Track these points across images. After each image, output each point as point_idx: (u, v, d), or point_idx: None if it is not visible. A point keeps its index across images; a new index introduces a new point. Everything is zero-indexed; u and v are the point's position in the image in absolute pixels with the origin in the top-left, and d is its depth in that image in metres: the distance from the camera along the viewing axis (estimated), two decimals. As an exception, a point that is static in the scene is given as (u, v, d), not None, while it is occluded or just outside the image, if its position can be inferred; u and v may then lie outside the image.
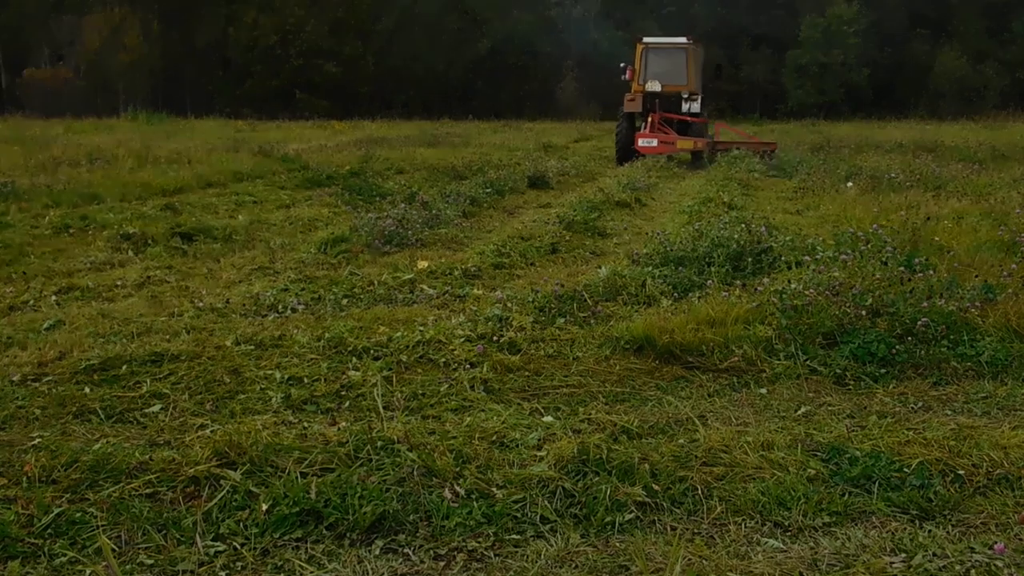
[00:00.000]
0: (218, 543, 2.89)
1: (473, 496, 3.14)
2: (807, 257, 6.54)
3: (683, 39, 20.95)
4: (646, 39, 21.31)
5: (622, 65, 21.43)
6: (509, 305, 5.58)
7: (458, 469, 3.30)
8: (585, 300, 5.78)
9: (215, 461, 3.31)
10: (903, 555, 2.83)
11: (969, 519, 3.10)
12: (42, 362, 4.55)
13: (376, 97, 53.92)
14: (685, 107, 20.16)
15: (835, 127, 36.66)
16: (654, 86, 20.20)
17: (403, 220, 8.80)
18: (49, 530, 2.92)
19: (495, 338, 4.94)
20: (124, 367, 4.46)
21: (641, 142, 19.05)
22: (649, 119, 19.77)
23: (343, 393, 4.22)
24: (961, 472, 3.36)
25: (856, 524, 3.07)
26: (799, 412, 4.10)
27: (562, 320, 5.44)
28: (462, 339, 4.88)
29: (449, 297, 6.28)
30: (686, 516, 3.13)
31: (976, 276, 6.01)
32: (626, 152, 19.38)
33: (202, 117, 41.76)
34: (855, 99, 52.44)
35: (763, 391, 4.41)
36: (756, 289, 5.73)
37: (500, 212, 11.48)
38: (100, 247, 8.30)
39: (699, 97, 20.46)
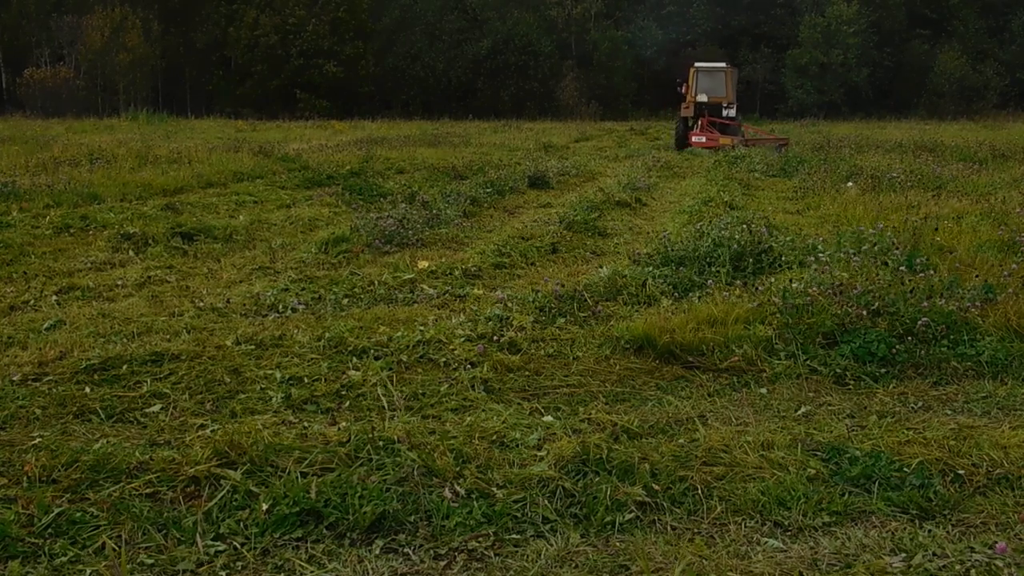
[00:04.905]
0: (218, 543, 2.90)
1: (473, 496, 3.14)
2: (809, 257, 6.53)
3: (723, 64, 28.51)
4: (697, 64, 28.23)
5: (678, 80, 28.49)
6: (509, 305, 5.58)
7: (458, 469, 3.30)
8: (585, 300, 5.78)
9: (215, 461, 3.31)
10: (903, 555, 2.83)
11: (969, 519, 3.10)
12: (42, 362, 4.55)
13: (376, 97, 53.97)
14: (725, 113, 26.72)
15: (835, 127, 36.69)
16: (702, 98, 26.82)
17: (404, 220, 8.79)
18: (49, 530, 2.92)
19: (495, 338, 4.94)
20: (124, 367, 4.46)
21: (694, 139, 25.33)
22: (700, 122, 26.35)
23: (343, 393, 4.22)
24: (961, 472, 3.36)
25: (856, 524, 3.07)
26: (799, 412, 4.10)
27: (562, 320, 5.44)
28: (462, 339, 4.89)
29: (449, 297, 6.28)
30: (686, 516, 3.13)
31: (976, 276, 6.01)
32: (681, 143, 25.95)
33: (202, 117, 41.82)
34: (855, 99, 52.45)
35: (763, 391, 4.41)
36: (757, 289, 5.73)
37: (500, 212, 11.48)
38: (101, 247, 8.29)
39: (735, 106, 27.20)
